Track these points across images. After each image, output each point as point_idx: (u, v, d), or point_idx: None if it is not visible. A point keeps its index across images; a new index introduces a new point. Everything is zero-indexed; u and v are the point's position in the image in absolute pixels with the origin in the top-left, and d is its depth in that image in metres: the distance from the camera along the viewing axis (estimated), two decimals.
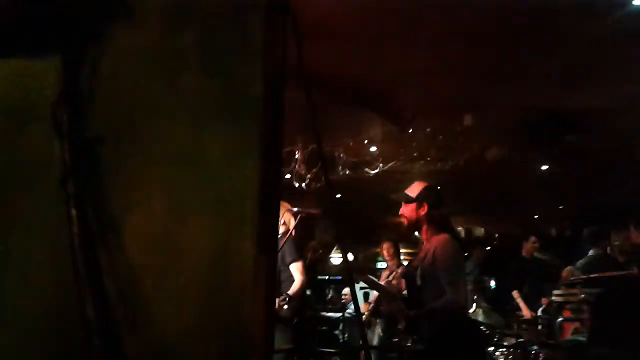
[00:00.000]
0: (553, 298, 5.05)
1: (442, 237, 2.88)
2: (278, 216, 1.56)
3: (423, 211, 2.95)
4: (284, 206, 4.83)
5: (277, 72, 1.65)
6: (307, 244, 6.43)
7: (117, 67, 1.43)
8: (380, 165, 6.66)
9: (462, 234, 10.84)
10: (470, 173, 7.25)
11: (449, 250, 2.80)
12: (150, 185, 1.34)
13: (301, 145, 6.29)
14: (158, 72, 1.44)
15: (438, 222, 2.95)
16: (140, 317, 1.27)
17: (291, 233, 4.62)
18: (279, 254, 4.68)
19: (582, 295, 4.26)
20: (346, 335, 7.58)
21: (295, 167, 6.35)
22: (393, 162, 6.63)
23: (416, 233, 3.07)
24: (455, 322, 2.70)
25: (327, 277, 9.32)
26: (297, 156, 6.29)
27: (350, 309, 8.34)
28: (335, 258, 13.40)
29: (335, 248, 13.21)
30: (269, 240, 1.40)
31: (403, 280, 3.89)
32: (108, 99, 1.41)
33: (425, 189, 3.00)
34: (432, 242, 2.89)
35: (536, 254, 6.91)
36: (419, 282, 2.85)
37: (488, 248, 10.84)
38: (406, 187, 3.12)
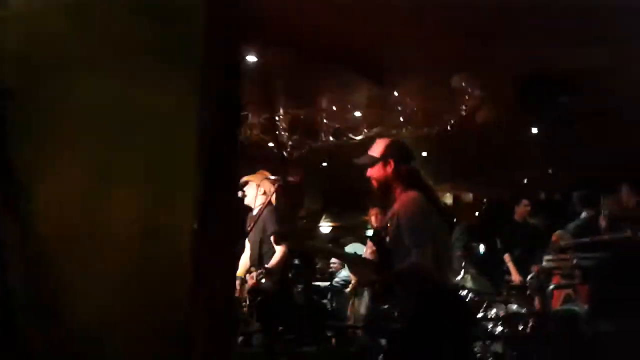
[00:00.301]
0: (544, 264, 4.90)
1: (408, 195, 2.63)
2: (231, 183, 1.34)
3: (390, 168, 2.70)
4: (263, 174, 4.62)
5: (227, 12, 1.40)
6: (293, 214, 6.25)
7: (26, 9, 1.18)
8: (365, 131, 6.41)
9: (451, 200, 10.70)
10: (458, 138, 7.03)
11: (414, 209, 2.56)
12: (65, 145, 1.11)
13: (282, 111, 6.04)
14: (76, 11, 1.19)
15: (406, 177, 2.70)
16: (51, 298, 1.05)
17: (271, 202, 4.42)
18: (260, 224, 4.48)
19: (574, 261, 4.10)
20: (334, 304, 7.48)
21: (276, 134, 6.11)
22: (378, 128, 6.39)
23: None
24: (433, 292, 2.48)
25: None
26: (278, 123, 6.04)
27: (338, 277, 8.24)
28: (324, 227, 13.28)
29: (323, 217, 13.08)
30: (216, 211, 1.18)
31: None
32: (15, 45, 1.16)
33: (388, 145, 2.74)
34: (399, 200, 2.66)
35: (528, 219, 6.77)
36: (389, 245, 2.62)
37: (477, 213, 10.74)
38: None
